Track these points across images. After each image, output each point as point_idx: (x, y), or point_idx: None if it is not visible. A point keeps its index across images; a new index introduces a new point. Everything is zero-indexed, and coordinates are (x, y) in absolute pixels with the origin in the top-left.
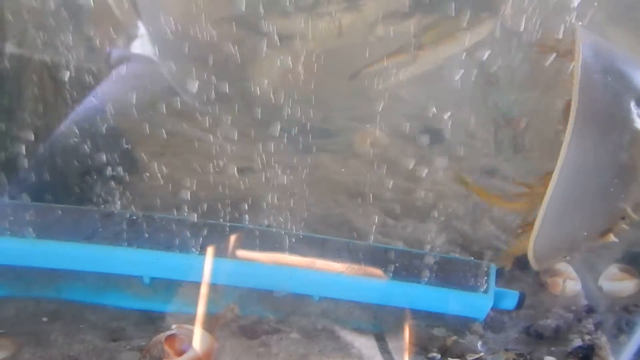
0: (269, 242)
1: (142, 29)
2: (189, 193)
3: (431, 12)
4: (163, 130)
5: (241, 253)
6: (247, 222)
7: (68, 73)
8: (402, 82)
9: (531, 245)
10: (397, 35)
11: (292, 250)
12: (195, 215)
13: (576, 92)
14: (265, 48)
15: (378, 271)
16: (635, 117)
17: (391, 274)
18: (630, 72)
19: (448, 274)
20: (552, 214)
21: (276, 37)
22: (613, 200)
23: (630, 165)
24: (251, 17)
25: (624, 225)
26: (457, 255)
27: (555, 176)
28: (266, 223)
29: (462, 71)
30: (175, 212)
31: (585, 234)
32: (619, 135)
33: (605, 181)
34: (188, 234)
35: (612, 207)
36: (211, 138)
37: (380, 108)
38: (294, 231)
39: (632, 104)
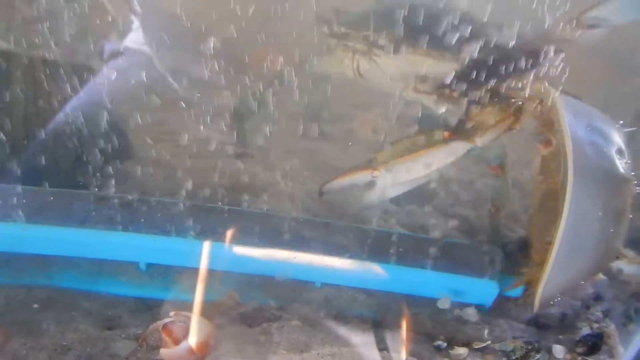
0: (269, 226)
1: (135, 22)
2: (186, 178)
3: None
4: (159, 119)
5: (240, 237)
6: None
7: (62, 66)
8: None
9: (537, 298)
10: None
11: (293, 234)
12: (193, 198)
13: (570, 155)
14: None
15: (382, 257)
16: (619, 166)
17: (395, 260)
18: (606, 127)
19: (454, 259)
20: (557, 266)
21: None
22: (610, 243)
23: (620, 209)
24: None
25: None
26: (463, 241)
27: (559, 232)
28: (265, 208)
29: None
30: (171, 197)
31: (585, 275)
32: (610, 185)
33: (602, 227)
34: (185, 217)
35: (610, 249)
36: (208, 124)
37: (381, 95)
38: (294, 215)
39: (615, 155)
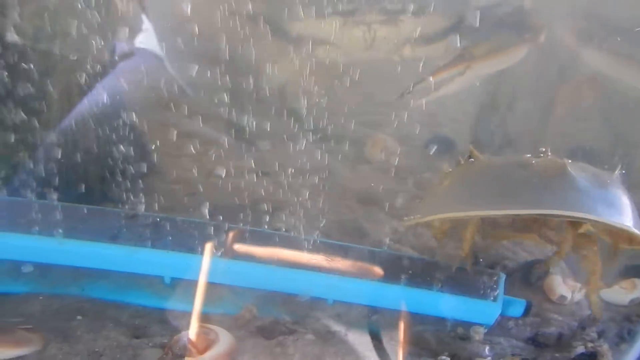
0: (286, 246)
1: (146, 23)
2: (201, 196)
3: (467, 38)
4: (175, 130)
5: (257, 256)
6: (265, 226)
7: (71, 68)
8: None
9: None
10: (422, 59)
11: (307, 254)
12: (207, 217)
13: None
14: (287, 48)
15: (391, 277)
16: None
17: (404, 280)
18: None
19: (459, 281)
20: None
21: (298, 38)
22: None
23: None
24: (274, 15)
25: None
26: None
27: None
28: (283, 228)
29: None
30: (190, 214)
31: None
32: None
33: None
34: (207, 236)
35: None
36: (220, 139)
37: (392, 115)
38: (309, 237)
39: None
